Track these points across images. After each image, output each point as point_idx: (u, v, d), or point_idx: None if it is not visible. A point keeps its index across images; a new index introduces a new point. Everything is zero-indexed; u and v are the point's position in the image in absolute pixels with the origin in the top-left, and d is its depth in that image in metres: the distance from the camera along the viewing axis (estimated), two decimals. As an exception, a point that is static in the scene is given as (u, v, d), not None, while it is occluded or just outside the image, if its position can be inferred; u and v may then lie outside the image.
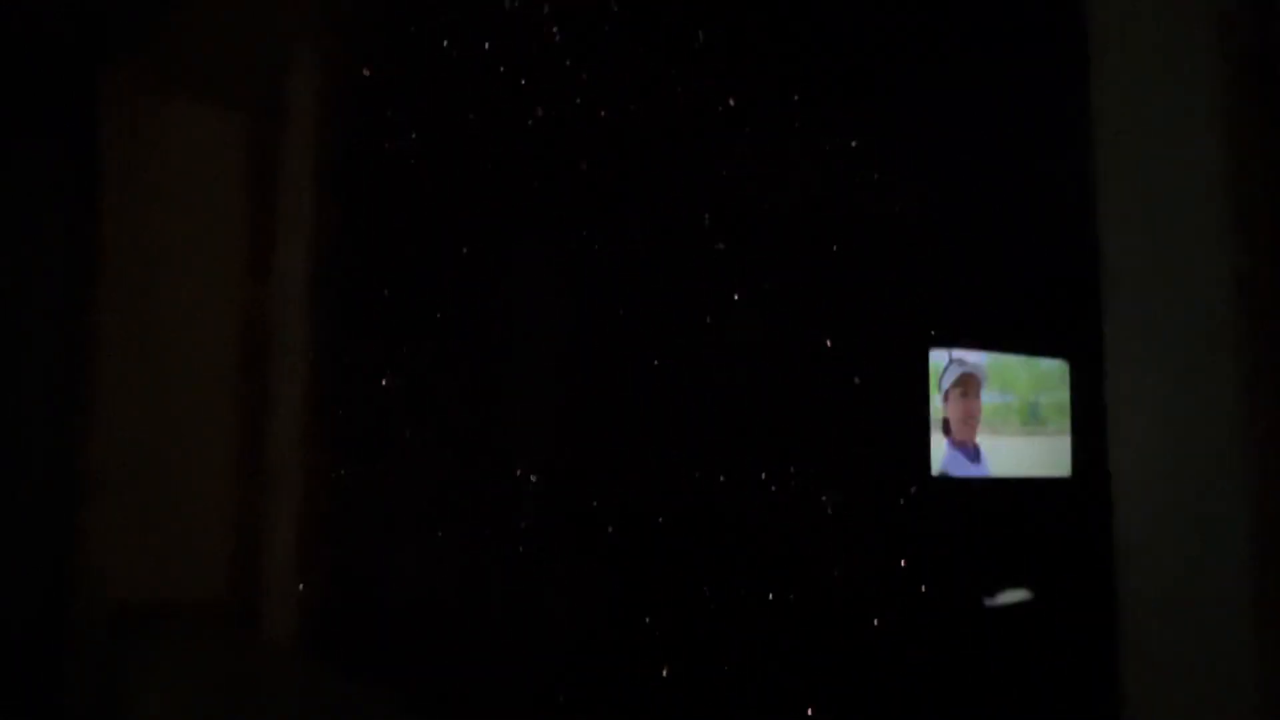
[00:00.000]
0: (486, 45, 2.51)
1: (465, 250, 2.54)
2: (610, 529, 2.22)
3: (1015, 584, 2.22)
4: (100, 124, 2.70)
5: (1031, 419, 2.30)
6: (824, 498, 2.14)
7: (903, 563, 2.11)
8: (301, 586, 2.69)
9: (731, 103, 2.21)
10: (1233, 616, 0.78)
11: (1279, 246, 0.78)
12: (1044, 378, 2.26)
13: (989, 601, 2.23)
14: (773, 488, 2.20)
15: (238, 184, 3.09)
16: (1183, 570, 0.80)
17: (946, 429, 2.24)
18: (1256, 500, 0.75)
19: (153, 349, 2.89)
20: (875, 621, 2.04)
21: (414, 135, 2.70)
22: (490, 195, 2.50)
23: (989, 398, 2.28)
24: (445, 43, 2.64)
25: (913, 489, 2.22)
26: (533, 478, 2.33)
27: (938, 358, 2.22)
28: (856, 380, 2.16)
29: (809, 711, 1.92)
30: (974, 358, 2.21)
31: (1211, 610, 0.79)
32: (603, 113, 2.33)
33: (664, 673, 2.02)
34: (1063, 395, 2.25)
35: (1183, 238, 0.81)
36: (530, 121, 2.43)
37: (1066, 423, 2.24)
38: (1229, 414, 0.78)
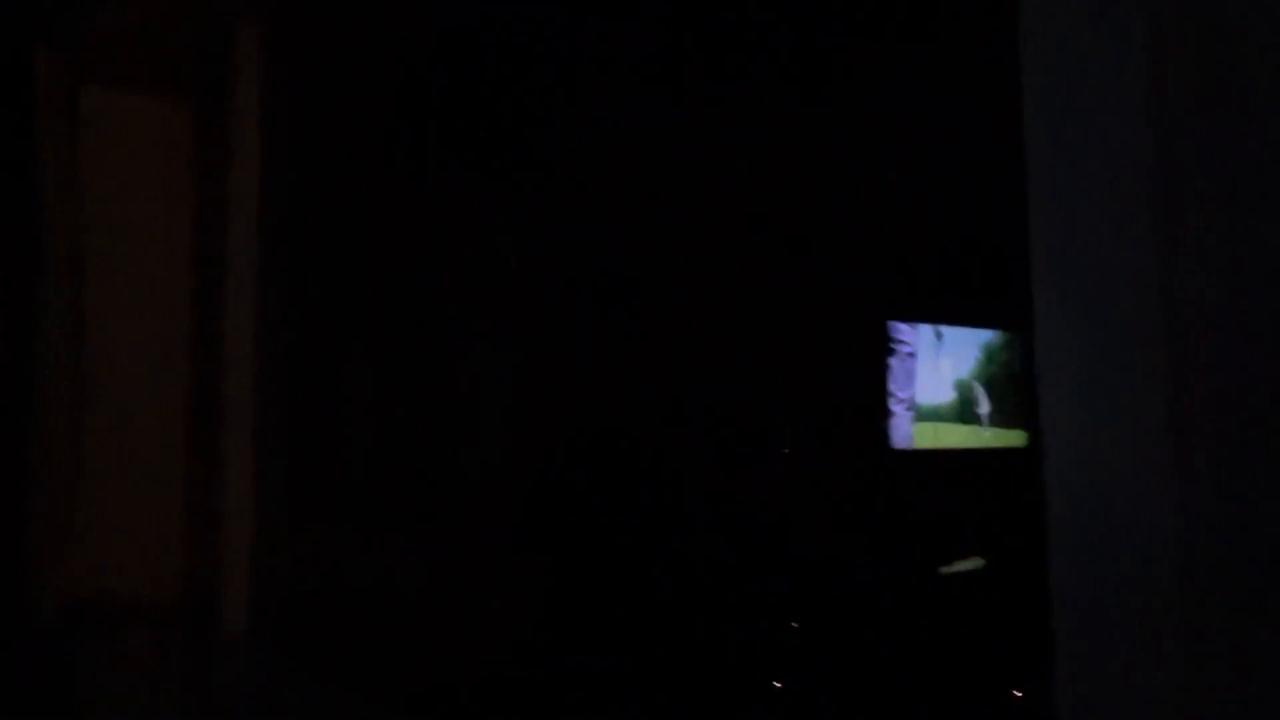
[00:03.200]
0: (435, 25, 2.49)
1: (417, 238, 2.53)
2: (565, 513, 2.24)
3: (971, 553, 2.27)
4: (39, 111, 2.64)
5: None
6: (786, 468, 2.16)
7: (862, 533, 2.14)
8: (256, 582, 2.68)
9: (691, 89, 2.21)
10: (1159, 582, 0.81)
11: (1202, 212, 0.81)
12: (998, 350, 2.28)
13: (945, 570, 2.28)
14: (737, 459, 2.22)
15: (182, 172, 3.04)
16: (1111, 540, 0.82)
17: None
18: (1181, 466, 0.77)
19: (100, 342, 2.85)
20: (837, 590, 2.08)
21: (360, 119, 2.68)
22: (441, 180, 2.49)
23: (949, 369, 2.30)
24: (389, 22, 2.61)
25: (873, 461, 2.25)
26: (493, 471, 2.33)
27: (909, 333, 2.24)
28: (817, 355, 2.18)
29: (775, 683, 1.94)
30: (931, 332, 2.23)
31: (1139, 575, 0.82)
32: (559, 97, 2.32)
33: (620, 648, 2.04)
34: (1017, 368, 2.28)
35: (1108, 213, 0.83)
36: (479, 105, 2.42)
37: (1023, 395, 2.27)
38: (1154, 382, 0.80)
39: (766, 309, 2.23)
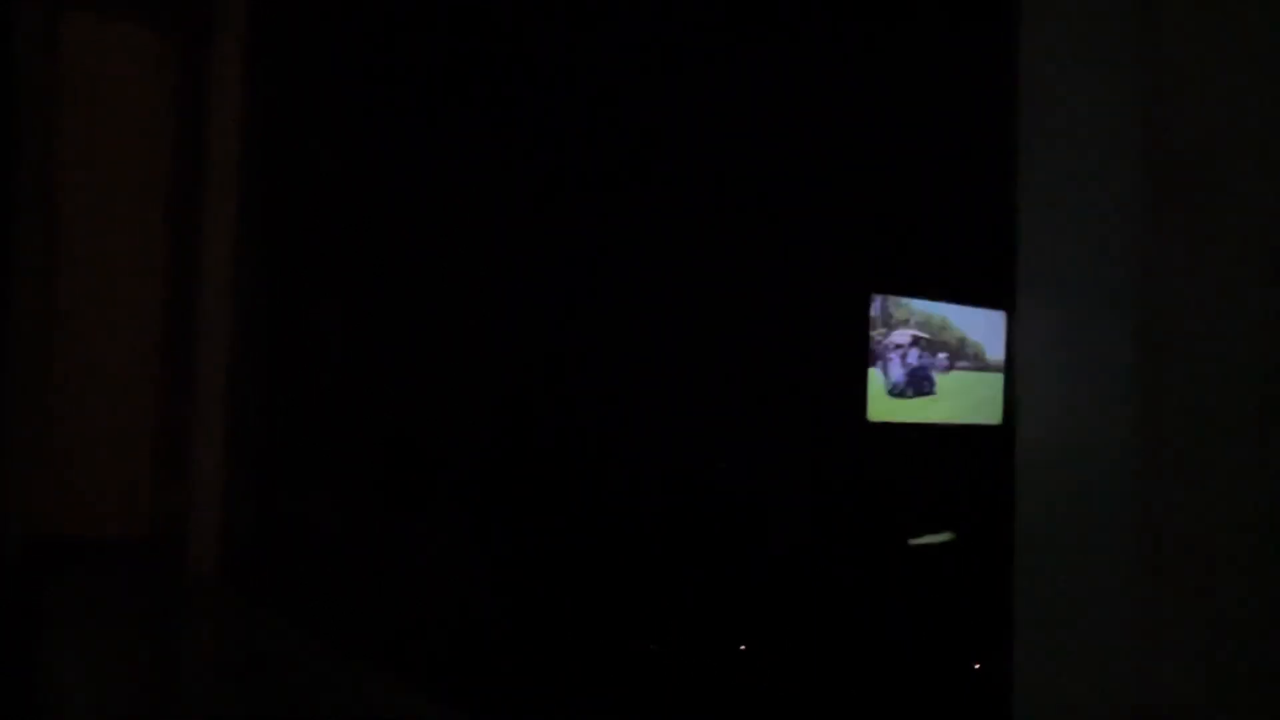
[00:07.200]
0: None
1: (397, 178, 2.50)
2: (537, 473, 2.24)
3: (943, 526, 2.30)
4: (17, 38, 2.57)
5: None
6: (762, 441, 2.17)
7: (834, 504, 2.16)
8: (224, 523, 2.68)
9: (674, 63, 2.18)
10: (1120, 548, 0.82)
11: (1184, 207, 0.81)
12: (981, 328, 2.28)
13: (915, 542, 2.30)
14: (713, 432, 2.22)
15: (164, 100, 2.98)
16: (1074, 511, 0.83)
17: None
18: (1143, 442, 0.78)
19: (73, 275, 2.81)
20: (807, 559, 2.10)
21: (346, 58, 2.63)
22: (425, 122, 2.45)
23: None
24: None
25: (848, 433, 2.26)
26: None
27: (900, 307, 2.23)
28: (795, 327, 2.18)
29: (741, 646, 1.97)
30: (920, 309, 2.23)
31: (1101, 548, 0.83)
32: (539, 69, 2.29)
33: (586, 609, 2.06)
34: (998, 344, 2.28)
35: (1093, 205, 0.83)
36: (469, 51, 2.38)
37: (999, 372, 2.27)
38: (1123, 365, 0.81)
39: (744, 280, 2.23)
